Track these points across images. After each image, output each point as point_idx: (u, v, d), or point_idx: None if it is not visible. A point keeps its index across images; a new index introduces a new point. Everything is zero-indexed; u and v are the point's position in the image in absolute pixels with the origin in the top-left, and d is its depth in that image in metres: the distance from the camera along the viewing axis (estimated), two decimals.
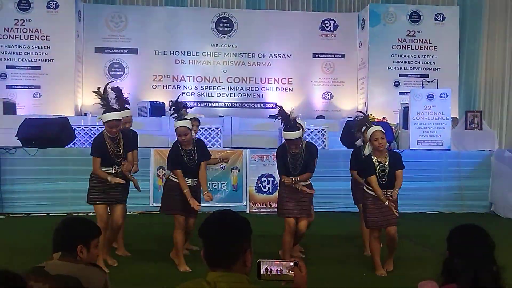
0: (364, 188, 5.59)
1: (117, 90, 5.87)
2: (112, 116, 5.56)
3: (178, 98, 5.96)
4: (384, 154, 5.47)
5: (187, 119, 5.67)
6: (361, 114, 5.93)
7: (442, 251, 2.70)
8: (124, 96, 6.00)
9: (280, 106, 5.97)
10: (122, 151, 5.63)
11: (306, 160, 5.65)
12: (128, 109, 6.47)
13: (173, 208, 5.69)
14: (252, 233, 2.26)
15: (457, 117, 12.49)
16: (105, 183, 5.54)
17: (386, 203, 5.31)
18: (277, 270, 2.16)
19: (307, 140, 6.25)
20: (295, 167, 5.64)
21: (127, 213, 8.66)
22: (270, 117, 13.57)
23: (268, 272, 2.16)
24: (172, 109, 5.71)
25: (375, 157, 5.45)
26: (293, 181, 5.58)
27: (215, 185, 9.18)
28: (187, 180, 5.63)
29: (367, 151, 5.66)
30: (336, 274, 5.54)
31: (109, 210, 5.71)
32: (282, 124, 5.80)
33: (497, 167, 9.70)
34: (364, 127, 6.23)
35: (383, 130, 5.53)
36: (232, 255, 2.15)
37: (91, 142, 5.89)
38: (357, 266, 5.86)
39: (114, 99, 5.91)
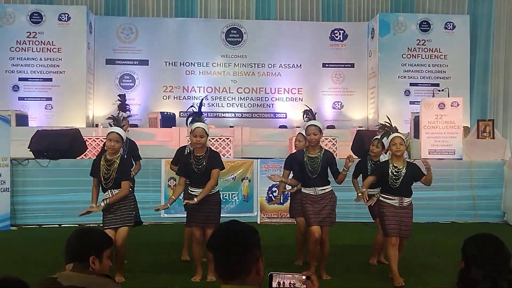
0: (380, 197, 5.59)
1: (122, 97, 5.89)
2: (113, 129, 5.54)
3: (202, 102, 5.99)
4: (401, 160, 5.51)
5: (206, 124, 5.69)
6: (387, 125, 5.89)
7: (456, 261, 2.67)
8: (126, 103, 5.95)
9: (310, 109, 6.03)
10: (112, 178, 5.45)
11: (324, 166, 5.64)
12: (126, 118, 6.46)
13: (189, 221, 5.69)
14: (264, 244, 2.25)
15: (469, 126, 12.42)
16: (107, 207, 5.47)
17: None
18: (289, 283, 2.14)
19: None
20: (313, 170, 5.61)
21: None
22: (280, 126, 13.66)
23: (281, 286, 2.13)
24: (191, 114, 5.78)
25: (392, 162, 5.47)
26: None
27: (226, 196, 9.17)
28: (196, 190, 5.56)
29: (386, 157, 5.69)
30: (348, 284, 5.50)
31: None
32: (307, 118, 5.86)
33: (510, 176, 9.60)
34: (375, 138, 6.29)
35: (403, 138, 5.57)
36: (244, 265, 2.13)
37: None
38: (369, 275, 5.82)
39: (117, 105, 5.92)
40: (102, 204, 5.43)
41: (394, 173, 5.44)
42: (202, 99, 6.06)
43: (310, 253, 5.72)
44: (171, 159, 6.69)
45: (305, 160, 5.64)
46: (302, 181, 5.71)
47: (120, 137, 5.55)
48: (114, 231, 5.48)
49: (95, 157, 5.85)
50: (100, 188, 5.61)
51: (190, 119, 5.82)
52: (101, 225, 5.59)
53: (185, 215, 5.82)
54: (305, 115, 5.97)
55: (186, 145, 6.57)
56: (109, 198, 5.45)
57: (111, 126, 5.70)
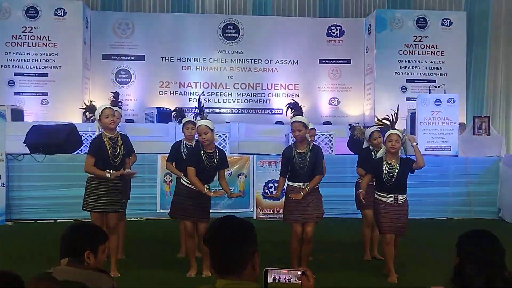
0: (376, 195, 5.58)
1: (116, 94, 5.96)
2: (104, 106, 5.63)
3: (200, 100, 6.07)
4: (395, 157, 5.50)
5: (209, 120, 5.72)
6: (387, 122, 5.86)
7: (451, 257, 2.68)
8: (120, 100, 6.07)
9: (296, 102, 5.99)
10: (121, 153, 5.53)
11: (313, 160, 5.57)
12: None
13: (180, 214, 5.69)
14: (260, 239, 2.25)
15: (465, 123, 12.44)
16: (100, 190, 5.46)
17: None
18: (285, 278, 2.14)
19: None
20: (302, 166, 5.55)
21: (136, 219, 8.75)
22: (277, 122, 13.65)
23: (276, 281, 2.14)
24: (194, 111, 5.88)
25: (386, 159, 5.46)
26: (302, 194, 5.49)
27: None
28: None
29: (380, 153, 5.66)
30: (344, 280, 5.52)
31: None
32: (293, 112, 5.81)
33: (505, 173, 9.64)
34: (371, 131, 6.29)
35: (400, 135, 5.53)
36: (240, 260, 2.13)
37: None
38: (365, 271, 5.84)
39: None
40: (132, 171, 5.71)
41: (388, 170, 5.44)
42: (200, 97, 6.11)
43: (291, 251, 5.67)
44: (167, 155, 6.69)
45: (294, 156, 5.57)
46: (290, 175, 5.65)
47: (113, 110, 5.63)
48: (103, 215, 5.49)
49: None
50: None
51: (179, 118, 5.97)
52: (90, 209, 5.54)
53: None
54: (291, 109, 5.91)
55: (180, 140, 6.57)
56: (128, 165, 5.70)
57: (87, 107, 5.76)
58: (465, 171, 9.80)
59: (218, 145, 9.61)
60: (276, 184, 9.20)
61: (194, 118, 6.16)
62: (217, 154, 5.65)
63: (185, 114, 6.76)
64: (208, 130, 5.55)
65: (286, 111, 6.00)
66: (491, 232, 2.64)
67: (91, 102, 5.94)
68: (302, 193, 5.47)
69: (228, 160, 5.96)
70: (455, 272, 2.54)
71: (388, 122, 5.87)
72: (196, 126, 5.70)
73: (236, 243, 2.15)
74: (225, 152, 6.02)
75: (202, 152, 5.59)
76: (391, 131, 5.59)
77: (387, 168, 5.44)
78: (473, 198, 9.72)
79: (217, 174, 5.75)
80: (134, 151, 6.21)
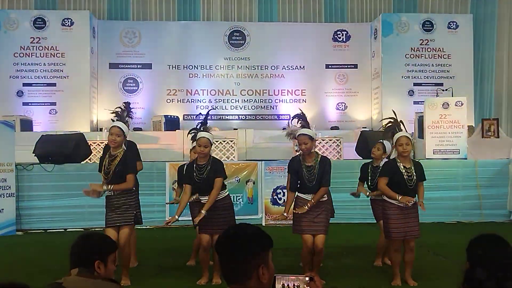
0: (385, 198, 5.50)
1: (127, 104, 5.93)
2: (115, 123, 5.60)
3: (208, 113, 6.03)
4: (408, 160, 5.45)
5: (210, 134, 5.68)
6: (393, 122, 5.80)
7: (462, 261, 2.66)
8: (131, 110, 5.99)
9: (303, 113, 5.88)
10: (112, 170, 5.47)
11: (321, 173, 5.49)
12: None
13: (200, 228, 5.68)
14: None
15: (473, 126, 12.38)
16: (107, 205, 5.53)
17: (399, 198, 5.27)
18: (293, 285, 2.13)
19: (321, 152, 6.19)
20: (310, 178, 5.47)
21: (145, 227, 8.75)
22: (284, 128, 13.65)
23: (285, 287, 2.13)
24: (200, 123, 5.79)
25: (400, 162, 5.41)
26: (307, 208, 5.42)
27: None
28: (202, 198, 5.57)
29: (392, 155, 5.62)
30: (353, 286, 5.49)
31: None
32: (299, 123, 5.70)
33: None
34: (379, 141, 6.24)
35: (409, 137, 5.48)
36: (244, 270, 2.11)
37: None
38: (374, 277, 5.81)
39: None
40: (105, 187, 5.47)
41: (407, 174, 5.35)
42: (208, 111, 6.07)
43: (303, 261, 5.62)
44: (176, 162, 6.70)
45: (302, 169, 5.49)
46: (299, 187, 5.57)
47: (122, 131, 5.57)
48: (116, 230, 5.48)
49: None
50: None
51: (192, 135, 5.83)
52: (106, 225, 5.58)
53: (190, 218, 5.85)
54: (298, 120, 5.79)
55: (184, 163, 6.48)
56: (114, 185, 5.47)
57: (113, 121, 5.74)
58: (475, 174, 9.74)
59: (225, 153, 9.62)
60: (285, 190, 9.22)
61: (198, 128, 6.03)
62: (209, 166, 5.56)
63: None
64: (209, 144, 5.55)
65: (292, 120, 5.86)
66: (500, 236, 2.62)
67: (125, 104, 5.88)
68: (307, 206, 5.39)
69: (224, 170, 5.70)
70: (466, 276, 2.53)
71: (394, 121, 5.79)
72: (197, 137, 5.60)
73: (240, 254, 2.12)
74: (222, 162, 5.83)
75: (194, 165, 5.60)
76: (400, 134, 5.50)
77: (405, 172, 5.36)
78: (483, 201, 9.65)
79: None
80: (140, 160, 6.24)
